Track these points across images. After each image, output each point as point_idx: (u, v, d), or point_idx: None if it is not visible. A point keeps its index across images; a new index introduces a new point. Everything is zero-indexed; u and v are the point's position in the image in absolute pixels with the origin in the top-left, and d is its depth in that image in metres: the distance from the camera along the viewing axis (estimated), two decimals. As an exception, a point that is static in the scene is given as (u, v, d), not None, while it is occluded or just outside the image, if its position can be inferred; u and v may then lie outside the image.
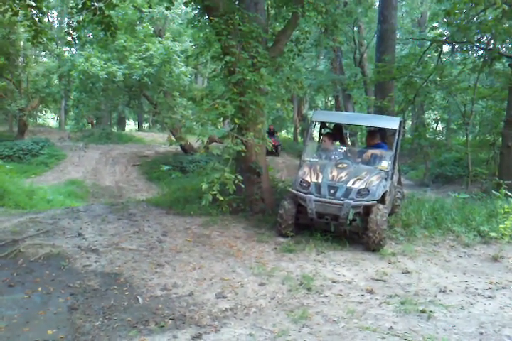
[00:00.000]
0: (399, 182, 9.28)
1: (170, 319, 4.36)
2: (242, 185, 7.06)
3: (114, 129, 32.62)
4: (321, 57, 26.95)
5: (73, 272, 5.52)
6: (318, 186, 6.97)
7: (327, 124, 9.08)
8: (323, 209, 6.78)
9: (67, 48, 26.52)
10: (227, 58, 7.52)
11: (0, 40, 20.13)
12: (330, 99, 36.94)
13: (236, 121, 7.31)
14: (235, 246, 6.71)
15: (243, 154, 7.68)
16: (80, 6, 7.98)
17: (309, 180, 7.08)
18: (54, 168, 19.35)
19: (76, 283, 5.18)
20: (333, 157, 8.00)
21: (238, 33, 7.77)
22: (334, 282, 5.40)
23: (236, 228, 7.67)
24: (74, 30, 11.17)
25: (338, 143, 8.93)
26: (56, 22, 34.14)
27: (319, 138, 9.06)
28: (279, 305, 4.71)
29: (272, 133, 22.40)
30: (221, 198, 6.62)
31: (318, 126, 9.21)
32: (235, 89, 7.41)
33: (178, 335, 4.01)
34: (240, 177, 6.83)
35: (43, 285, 5.13)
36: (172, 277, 5.44)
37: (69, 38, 11.39)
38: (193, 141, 19.67)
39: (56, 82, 24.65)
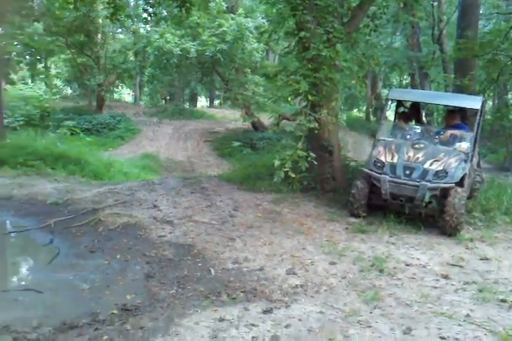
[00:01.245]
0: (478, 165, 8.83)
1: (241, 292, 4.43)
2: (315, 162, 7.00)
3: (187, 105, 33.22)
4: (397, 34, 25.90)
5: (149, 242, 5.75)
6: (393, 166, 6.77)
7: (403, 103, 8.76)
8: (397, 191, 6.60)
9: (143, 25, 27.14)
10: (302, 34, 7.37)
11: (81, 18, 20.84)
12: (405, 77, 35.58)
13: (309, 97, 7.18)
14: (306, 224, 6.69)
15: (316, 132, 7.58)
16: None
17: (384, 160, 6.90)
18: (130, 142, 20.03)
19: (152, 252, 5.40)
20: (409, 137, 7.74)
21: (314, 8, 7.60)
22: (407, 265, 5.26)
23: (306, 206, 7.64)
24: (151, 6, 11.39)
25: (413, 122, 8.62)
26: (132, -1, 34.85)
27: (394, 117, 8.78)
28: (349, 285, 4.67)
29: None
30: (293, 175, 6.62)
31: (393, 104, 8.89)
32: (309, 66, 7.28)
33: (249, 308, 4.07)
34: (312, 154, 6.78)
35: (121, 252, 5.38)
36: (243, 251, 5.52)
37: (144, 15, 11.62)
38: (264, 118, 19.73)
39: (132, 58, 25.33)
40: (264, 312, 4.01)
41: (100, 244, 5.67)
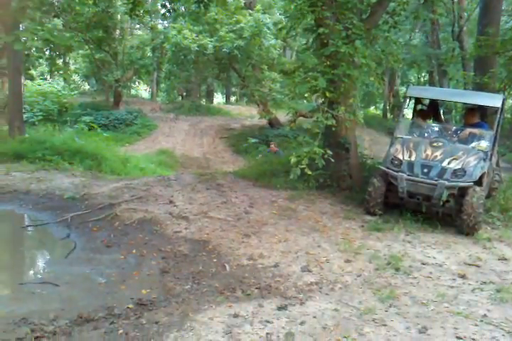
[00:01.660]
0: (497, 164, 8.71)
1: (256, 288, 4.43)
2: (332, 160, 6.97)
3: (203, 102, 33.27)
4: (416, 31, 25.60)
5: (164, 237, 5.78)
6: (410, 164, 6.71)
7: (422, 100, 8.67)
8: (414, 189, 6.54)
9: (161, 21, 27.20)
10: (321, 30, 7.33)
11: (100, 13, 20.96)
12: (423, 74, 35.20)
13: (327, 94, 7.14)
14: (321, 222, 6.67)
15: (333, 129, 7.53)
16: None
17: (401, 158, 6.83)
18: (146, 138, 20.13)
19: (167, 247, 5.43)
20: (427, 135, 7.66)
21: (333, 4, 7.54)
22: (424, 264, 5.21)
23: (322, 203, 7.61)
24: (169, 2, 11.38)
25: (431, 120, 8.53)
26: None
27: (412, 114, 8.69)
28: (365, 283, 4.64)
29: None
30: (309, 172, 6.59)
31: (411, 102, 8.80)
32: (327, 62, 7.23)
33: (263, 304, 4.07)
34: (329, 152, 6.75)
35: (137, 247, 5.43)
36: (258, 248, 5.52)
37: (163, 11, 11.61)
38: (280, 115, 19.66)
39: (149, 54, 25.42)
40: (279, 308, 4.00)
41: (116, 238, 5.73)
